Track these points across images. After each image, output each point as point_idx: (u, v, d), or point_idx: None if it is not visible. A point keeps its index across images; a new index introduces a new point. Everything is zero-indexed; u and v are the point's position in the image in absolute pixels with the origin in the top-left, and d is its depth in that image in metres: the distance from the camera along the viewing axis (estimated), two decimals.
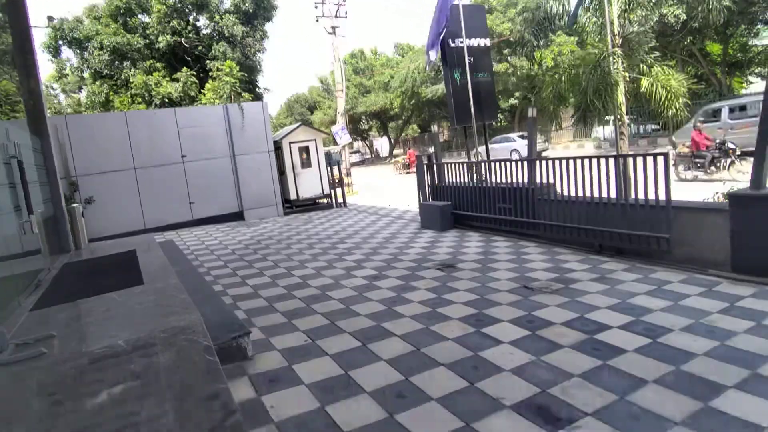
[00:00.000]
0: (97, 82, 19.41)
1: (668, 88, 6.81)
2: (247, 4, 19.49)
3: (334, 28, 18.60)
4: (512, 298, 4.30)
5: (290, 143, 12.69)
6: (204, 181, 11.41)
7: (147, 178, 10.81)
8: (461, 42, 8.44)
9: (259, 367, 3.33)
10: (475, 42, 8.79)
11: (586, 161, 5.57)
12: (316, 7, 18.36)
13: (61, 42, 19.89)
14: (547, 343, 3.33)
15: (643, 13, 7.39)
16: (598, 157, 5.52)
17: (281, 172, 12.66)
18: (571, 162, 5.78)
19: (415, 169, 26.53)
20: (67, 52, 20.68)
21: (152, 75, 18.36)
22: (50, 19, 11.98)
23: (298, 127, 13.18)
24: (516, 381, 2.86)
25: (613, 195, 5.45)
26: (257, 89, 20.94)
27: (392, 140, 40.42)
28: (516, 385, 2.81)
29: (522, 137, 22.04)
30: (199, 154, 11.36)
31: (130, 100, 18.40)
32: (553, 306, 4.01)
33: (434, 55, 8.45)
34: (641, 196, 4.98)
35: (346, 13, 18.61)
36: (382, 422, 2.56)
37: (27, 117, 5.07)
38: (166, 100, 17.77)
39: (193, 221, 11.41)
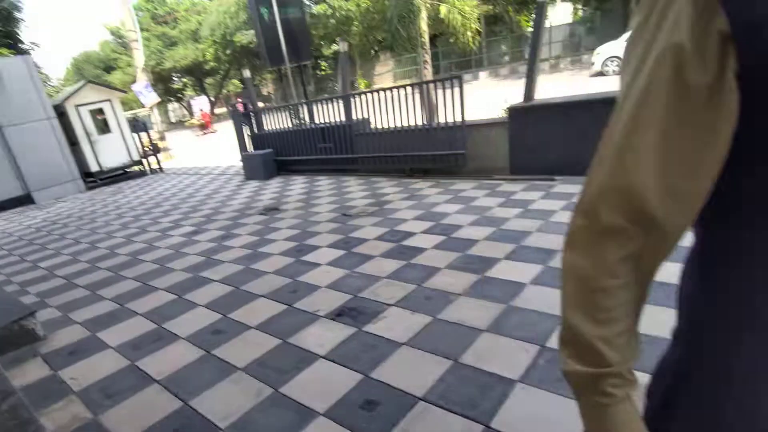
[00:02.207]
0: None
1: (463, 13, 7.51)
2: None
3: None
4: (331, 227, 4.60)
5: (77, 106, 10.69)
6: None
7: None
8: None
9: (55, 345, 3.04)
10: None
11: (395, 91, 6.00)
12: None
13: None
14: (360, 257, 3.68)
15: None
16: (404, 86, 6.02)
17: (72, 142, 10.70)
18: (381, 93, 6.16)
19: (212, 129, 25.87)
20: None
21: None
22: None
23: (83, 86, 11.11)
24: (331, 294, 3.13)
25: (420, 122, 6.04)
26: (20, 44, 16.89)
27: (212, 99, 37.11)
28: (330, 297, 3.07)
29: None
30: None
31: None
32: (368, 226, 4.42)
33: None
34: (443, 121, 5.62)
35: None
36: (198, 360, 2.57)
37: None
38: None
39: None
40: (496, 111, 7.07)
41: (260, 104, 9.65)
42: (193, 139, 23.76)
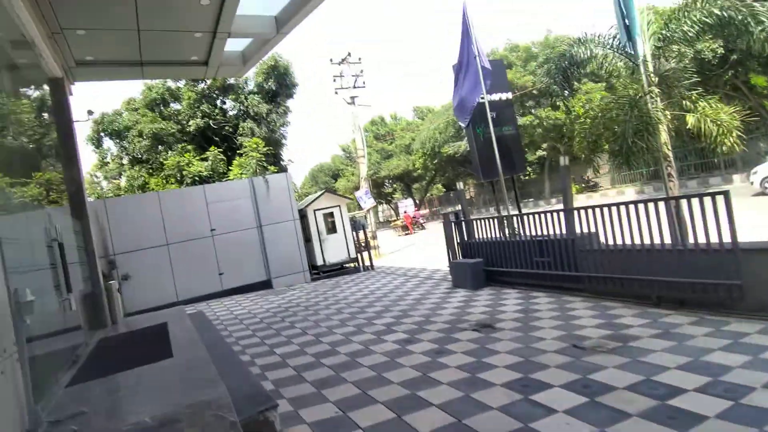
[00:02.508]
0: (135, 167, 21.16)
1: (718, 123, 6.51)
2: (270, 84, 21.02)
3: (353, 98, 19.58)
4: (562, 360, 3.92)
5: (315, 210, 12.95)
6: (232, 252, 11.75)
7: (179, 253, 11.27)
8: (482, 98, 8.62)
9: None
10: (496, 96, 8.96)
11: (632, 207, 5.26)
12: (334, 80, 19.50)
13: (102, 134, 22.22)
14: (610, 411, 2.94)
15: (679, 49, 7.24)
16: (646, 201, 5.21)
17: (307, 239, 12.80)
18: (614, 209, 5.50)
19: (413, 231, 27.58)
20: (108, 143, 23.00)
21: (184, 156, 19.66)
22: (90, 113, 13.35)
23: (322, 194, 13.51)
24: None
25: (667, 240, 5.05)
26: (281, 162, 21.96)
27: (417, 201, 40.79)
28: None
29: None
30: (227, 227, 11.82)
31: (164, 180, 19.61)
32: (612, 368, 3.61)
33: (464, 118, 8.61)
34: (701, 240, 4.59)
35: (363, 83, 19.65)
36: None
37: (69, 203, 5.63)
38: (197, 178, 18.82)
39: (222, 291, 11.63)
40: None
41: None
42: (395, 238, 26.23)
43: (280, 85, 21.30)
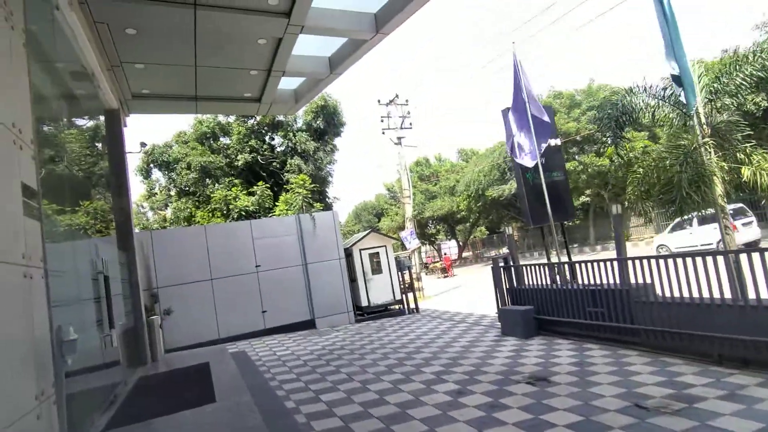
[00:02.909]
0: (182, 199, 22.17)
1: None
2: (318, 122, 22.11)
3: (399, 138, 20.33)
4: (625, 421, 3.91)
5: (360, 250, 13.29)
6: (276, 289, 12.01)
7: (222, 289, 11.52)
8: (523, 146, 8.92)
9: None
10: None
11: (689, 259, 5.30)
12: (382, 121, 20.37)
13: (152, 165, 23.51)
14: None
15: (732, 102, 7.41)
16: (704, 254, 5.24)
17: (352, 278, 13.09)
18: (670, 260, 5.53)
19: (452, 273, 28.15)
20: (156, 174, 24.28)
21: (231, 190, 20.71)
22: (143, 145, 14.22)
23: (368, 234, 13.89)
24: None
25: (726, 295, 5.02)
26: (327, 199, 22.72)
27: (460, 243, 40.71)
28: None
29: None
30: (272, 264, 12.13)
31: (210, 214, 20.64)
32: None
33: (530, 162, 8.85)
34: (764, 296, 4.56)
35: (411, 124, 20.40)
36: None
37: (117, 233, 5.69)
38: (243, 213, 19.73)
39: (265, 330, 11.81)
40: None
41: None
42: (435, 280, 26.25)
43: (328, 124, 22.36)
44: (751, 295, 4.79)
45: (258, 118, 22.10)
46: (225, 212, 20.41)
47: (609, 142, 9.50)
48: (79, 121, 4.35)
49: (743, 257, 4.90)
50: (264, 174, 22.31)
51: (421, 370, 6.51)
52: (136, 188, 25.09)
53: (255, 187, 20.61)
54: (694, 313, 5.26)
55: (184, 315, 10.88)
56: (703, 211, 7.26)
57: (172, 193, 23.35)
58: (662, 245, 19.40)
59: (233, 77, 7.49)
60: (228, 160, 22.39)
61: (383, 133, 20.61)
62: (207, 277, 11.44)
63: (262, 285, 11.95)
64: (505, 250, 30.34)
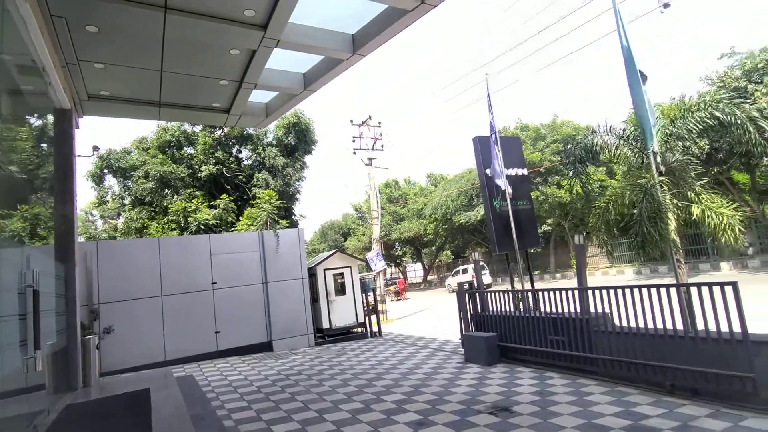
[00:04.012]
0: (136, 209, 21.22)
1: (722, 216, 7.07)
2: (289, 138, 22.04)
3: (370, 159, 20.53)
4: None
5: (325, 270, 13.17)
6: (233, 308, 11.63)
7: (173, 306, 10.98)
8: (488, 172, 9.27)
9: None
10: (513, 171, 9.57)
11: (644, 290, 5.58)
12: (353, 141, 20.56)
13: (106, 171, 22.37)
14: None
15: (684, 144, 8.04)
16: (658, 286, 5.53)
17: (314, 299, 12.92)
18: (627, 291, 5.80)
19: (404, 297, 30.01)
20: (110, 180, 23.11)
21: (191, 202, 20.11)
22: (95, 149, 13.16)
23: (333, 253, 13.81)
24: None
25: (678, 326, 5.30)
26: (294, 216, 22.49)
27: (426, 266, 41.07)
28: None
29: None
30: (230, 281, 11.78)
31: (165, 226, 19.86)
32: None
33: (503, 184, 9.14)
34: (712, 328, 4.85)
35: (382, 146, 20.69)
36: None
37: (56, 243, 5.28)
38: (202, 227, 19.13)
39: (217, 352, 11.33)
40: None
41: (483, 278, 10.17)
42: (393, 303, 26.76)
43: (299, 141, 22.30)
44: (701, 326, 5.07)
45: (226, 130, 21.81)
46: (182, 225, 19.74)
47: (571, 175, 10.07)
48: (22, 119, 4.07)
49: (694, 291, 5.19)
50: (229, 187, 21.91)
51: (381, 398, 6.45)
52: (87, 194, 23.92)
53: (218, 200, 20.14)
54: (649, 344, 5.51)
55: (128, 334, 10.26)
56: (662, 248, 7.68)
57: (126, 201, 22.35)
58: (449, 284, 28.28)
59: (202, 86, 7.33)
60: (191, 170, 21.84)
61: (354, 153, 20.81)
62: (157, 293, 10.90)
63: (217, 303, 11.55)
64: (465, 267, 32.32)
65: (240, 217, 19.09)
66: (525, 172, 10.08)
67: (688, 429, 4.29)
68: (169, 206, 20.12)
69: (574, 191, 24.30)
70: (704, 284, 5.06)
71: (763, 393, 4.49)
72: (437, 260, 42.20)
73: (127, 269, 10.67)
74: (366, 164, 20.68)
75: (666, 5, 14.85)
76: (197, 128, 22.46)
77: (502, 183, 9.01)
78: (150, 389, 4.39)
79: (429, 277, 41.93)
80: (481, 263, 33.78)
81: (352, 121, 20.84)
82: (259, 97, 8.61)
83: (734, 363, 4.66)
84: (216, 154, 21.88)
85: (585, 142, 9.04)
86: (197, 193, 21.17)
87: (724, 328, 4.73)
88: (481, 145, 9.57)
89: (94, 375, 5.49)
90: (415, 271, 36.37)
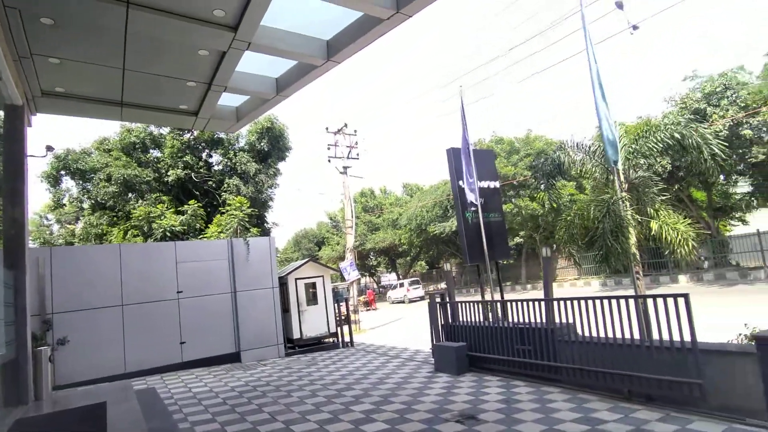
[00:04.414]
0: (96, 213, 20.42)
1: (678, 231, 7.52)
2: (262, 144, 21.87)
3: (345, 168, 20.64)
4: None
5: (296, 279, 13.17)
6: (199, 318, 11.43)
7: (135, 316, 10.62)
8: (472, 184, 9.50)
9: None
10: (485, 184, 9.86)
11: (606, 301, 5.88)
12: (328, 149, 20.63)
13: (63, 172, 21.35)
14: None
15: (646, 162, 8.51)
16: (618, 297, 5.84)
17: (285, 309, 12.87)
18: (590, 302, 6.09)
19: (375, 307, 31.08)
20: (68, 182, 22.07)
21: (157, 207, 19.52)
22: (50, 149, 12.57)
23: (305, 263, 13.82)
24: None
25: (636, 336, 5.62)
26: (266, 224, 22.27)
27: (400, 276, 41.26)
28: None
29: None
30: (196, 290, 11.58)
31: (128, 232, 19.18)
32: None
33: (474, 197, 9.37)
34: (665, 337, 5.16)
35: (358, 155, 20.82)
36: None
37: (4, 248, 5.09)
38: (168, 233, 18.59)
39: (182, 363, 11.10)
40: (725, 330, 6.31)
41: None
42: (361, 313, 26.97)
43: (273, 147, 22.12)
44: (656, 336, 5.38)
45: (195, 133, 21.46)
46: (146, 231, 19.19)
47: (542, 189, 10.42)
48: None
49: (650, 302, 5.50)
50: (197, 192, 21.52)
51: (350, 408, 6.54)
52: (41, 197, 22.86)
53: (186, 206, 19.72)
54: (609, 353, 5.83)
55: (85, 345, 9.89)
56: (624, 261, 8.06)
57: (85, 205, 21.47)
58: (390, 296, 34.75)
59: (168, 86, 7.14)
60: (157, 174, 21.32)
61: (329, 161, 20.87)
62: (117, 302, 10.56)
63: (182, 313, 11.32)
64: (402, 282, 34.38)
65: (209, 224, 18.74)
66: (497, 184, 10.39)
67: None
68: (132, 212, 19.55)
69: (546, 205, 25.14)
70: (659, 296, 5.40)
71: (710, 398, 4.84)
72: (412, 270, 42.48)
73: (85, 277, 10.31)
74: (341, 173, 20.78)
75: (635, 27, 15.59)
76: (165, 130, 21.93)
77: (473, 196, 9.25)
78: (107, 403, 4.30)
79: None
80: (415, 278, 36.06)
81: (327, 128, 20.94)
82: (230, 100, 8.52)
83: (684, 370, 5.00)
84: (184, 158, 21.44)
85: (553, 157, 9.43)
86: (164, 198, 20.68)
87: (677, 337, 5.04)
88: (455, 157, 9.83)
89: (46, 388, 5.36)
90: (389, 281, 36.64)
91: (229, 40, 5.78)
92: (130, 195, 20.64)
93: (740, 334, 5.86)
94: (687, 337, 4.98)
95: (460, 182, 9.72)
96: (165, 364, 10.94)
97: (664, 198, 8.48)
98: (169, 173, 20.88)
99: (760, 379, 4.49)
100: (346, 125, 20.85)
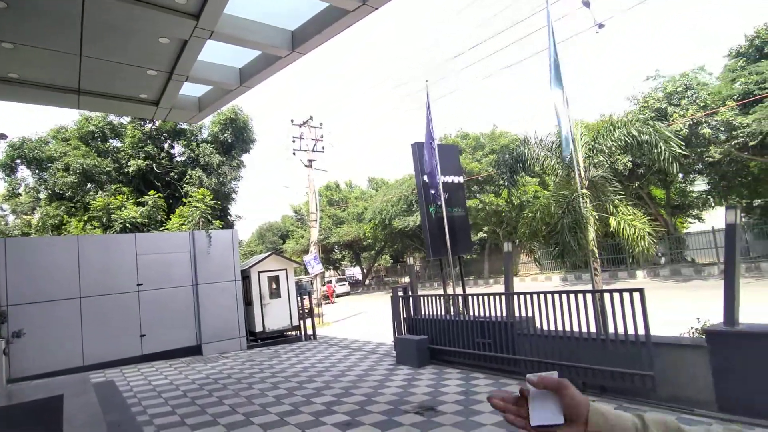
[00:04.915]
0: (53, 204, 19.59)
1: (635, 228, 7.74)
2: (226, 135, 21.28)
3: (310, 161, 20.34)
4: None
5: (259, 272, 12.91)
6: (160, 311, 11.18)
7: (93, 309, 10.39)
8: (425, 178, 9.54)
9: None
10: (449, 179, 9.87)
11: (564, 296, 5.98)
12: (293, 141, 20.28)
13: (19, 161, 20.45)
14: None
15: (604, 159, 8.70)
16: (576, 292, 5.94)
17: (248, 302, 12.61)
18: (548, 296, 6.18)
19: (333, 301, 31.17)
20: (24, 172, 21.13)
21: (117, 198, 18.82)
22: (2, 137, 11.74)
23: (268, 256, 13.56)
24: None
25: (592, 330, 5.74)
26: (229, 216, 21.75)
27: (364, 270, 41.22)
28: None
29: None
30: (157, 283, 11.31)
31: (86, 223, 18.48)
32: None
33: (438, 192, 9.37)
34: (620, 331, 5.29)
35: (323, 148, 20.56)
36: None
37: None
38: (128, 225, 17.97)
39: (142, 356, 10.88)
40: (679, 325, 6.50)
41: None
42: (325, 306, 26.91)
43: (237, 139, 21.57)
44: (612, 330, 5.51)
45: (157, 123, 20.69)
46: (106, 223, 18.45)
47: (505, 185, 10.50)
48: None
49: (606, 296, 5.64)
50: (159, 184, 20.76)
51: (311, 400, 6.45)
52: None
53: (147, 197, 19.03)
54: (566, 345, 5.93)
55: (42, 338, 9.65)
56: (580, 256, 8.25)
57: (42, 196, 20.52)
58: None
59: (127, 74, 6.86)
60: (117, 164, 20.48)
61: (294, 153, 20.50)
62: (75, 294, 10.26)
63: (143, 306, 11.06)
64: (342, 278, 34.27)
65: (171, 216, 18.17)
66: (461, 179, 10.44)
67: None
68: (91, 203, 18.75)
69: (510, 200, 25.54)
70: (615, 291, 5.52)
71: (660, 389, 4.98)
72: (376, 264, 42.49)
73: (42, 269, 10.01)
74: (306, 166, 20.47)
75: (601, 26, 15.96)
76: (125, 120, 21.08)
77: (436, 191, 9.27)
78: (64, 396, 4.14)
79: (368, 281, 42.14)
80: (342, 277, 36.35)
81: (292, 120, 20.55)
82: (192, 90, 8.24)
83: (637, 362, 5.11)
84: (146, 149, 20.64)
85: (517, 152, 9.49)
86: (124, 189, 19.90)
87: (632, 331, 5.17)
88: (419, 151, 9.81)
89: (0, 382, 5.19)
90: (353, 275, 36.52)
91: (190, 28, 5.56)
92: (89, 185, 19.86)
93: (692, 328, 6.10)
94: (641, 331, 5.08)
95: (425, 177, 9.72)
96: (125, 356, 10.70)
97: (623, 195, 8.69)
98: (129, 164, 20.12)
99: (709, 371, 4.68)
100: (311, 118, 20.54)
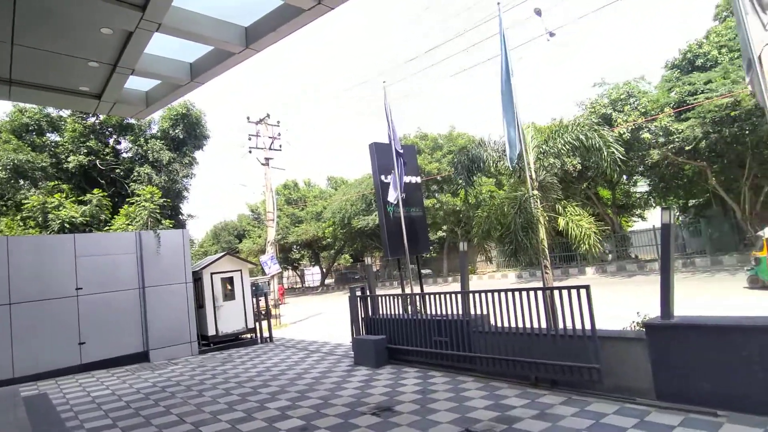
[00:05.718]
0: None
1: (581, 227, 8.09)
2: (177, 131, 20.51)
3: (267, 159, 19.94)
4: None
5: (212, 274, 12.49)
6: (102, 316, 10.61)
7: (25, 315, 9.72)
8: (385, 178, 9.59)
9: None
10: (407, 179, 9.94)
11: (516, 293, 6.14)
12: (249, 139, 19.81)
13: None
14: None
15: (553, 161, 9.04)
16: (527, 289, 6.12)
17: (200, 305, 12.19)
18: (502, 294, 6.33)
19: (283, 301, 30.26)
20: None
21: (54, 196, 17.67)
22: None
23: (222, 256, 13.16)
24: None
25: (543, 325, 5.94)
26: (180, 215, 20.98)
27: (324, 270, 40.89)
28: None
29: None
30: (99, 286, 10.72)
31: (19, 224, 17.28)
32: None
33: (396, 194, 9.35)
34: (569, 326, 5.50)
35: (280, 146, 20.20)
36: None
37: None
38: (67, 225, 16.89)
39: (81, 366, 10.27)
40: (623, 319, 6.83)
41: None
42: (282, 307, 26.63)
43: (188, 135, 20.84)
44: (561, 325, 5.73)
45: (101, 117, 19.62)
46: (41, 223, 17.25)
47: (462, 185, 10.72)
48: None
49: (556, 293, 5.84)
50: (103, 181, 19.71)
51: (265, 405, 6.30)
52: None
53: (89, 195, 17.98)
54: (519, 341, 6.08)
55: None
56: (532, 255, 8.51)
57: None
58: None
59: (65, 65, 6.49)
60: (55, 160, 19.26)
61: (250, 152, 20.03)
62: (4, 301, 9.57)
63: (82, 311, 10.43)
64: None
65: (116, 216, 17.26)
66: (418, 179, 10.54)
67: (545, 416, 4.82)
68: (24, 201, 17.48)
69: (468, 200, 26.15)
70: (563, 288, 5.72)
71: (606, 381, 5.22)
72: (336, 264, 42.25)
73: None
74: (263, 164, 20.05)
75: (552, 34, 16.53)
76: (65, 113, 19.89)
77: (396, 191, 9.31)
78: None
79: (327, 281, 41.81)
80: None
81: (248, 118, 20.08)
82: (139, 84, 7.91)
83: (585, 356, 5.33)
84: (88, 143, 19.55)
85: (473, 153, 9.70)
86: (63, 186, 18.73)
87: (579, 325, 5.39)
88: (377, 152, 9.82)
89: None
90: (312, 275, 36.10)
91: (136, 19, 5.32)
92: (21, 182, 18.50)
93: (633, 322, 6.41)
94: (588, 326, 5.29)
95: (383, 177, 9.74)
96: (61, 366, 10.05)
97: (572, 195, 9.09)
98: (69, 159, 19.00)
99: (648, 362, 4.95)
100: (268, 115, 20.15)
